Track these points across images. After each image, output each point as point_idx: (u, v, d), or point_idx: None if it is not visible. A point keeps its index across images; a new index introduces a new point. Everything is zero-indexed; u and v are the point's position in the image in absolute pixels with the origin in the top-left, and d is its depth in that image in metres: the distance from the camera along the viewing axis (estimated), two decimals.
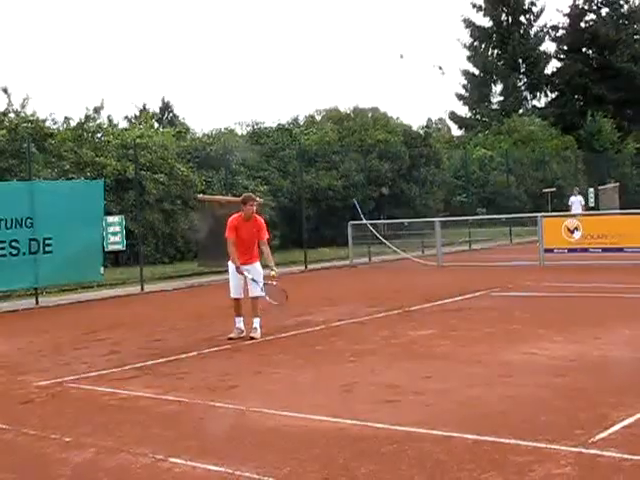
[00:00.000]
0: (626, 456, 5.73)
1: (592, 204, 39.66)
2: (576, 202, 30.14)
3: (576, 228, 21.23)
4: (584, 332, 10.92)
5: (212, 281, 21.57)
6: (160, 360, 10.56)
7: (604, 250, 20.66)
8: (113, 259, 24.05)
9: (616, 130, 53.82)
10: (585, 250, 20.96)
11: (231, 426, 7.20)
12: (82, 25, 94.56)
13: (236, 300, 12.12)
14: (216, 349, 11.21)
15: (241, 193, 27.00)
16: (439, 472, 5.65)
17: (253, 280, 11.87)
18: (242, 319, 12.07)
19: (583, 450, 5.91)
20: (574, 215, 25.20)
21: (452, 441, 6.33)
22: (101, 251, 19.40)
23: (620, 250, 20.31)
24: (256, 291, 11.92)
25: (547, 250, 21.45)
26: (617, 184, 41.45)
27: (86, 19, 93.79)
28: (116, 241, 20.24)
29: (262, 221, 12.24)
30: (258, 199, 21.85)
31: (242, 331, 11.99)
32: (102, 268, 19.27)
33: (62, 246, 17.97)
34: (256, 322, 11.96)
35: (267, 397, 8.13)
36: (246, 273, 11.88)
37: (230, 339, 11.80)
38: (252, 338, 11.77)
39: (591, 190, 41.06)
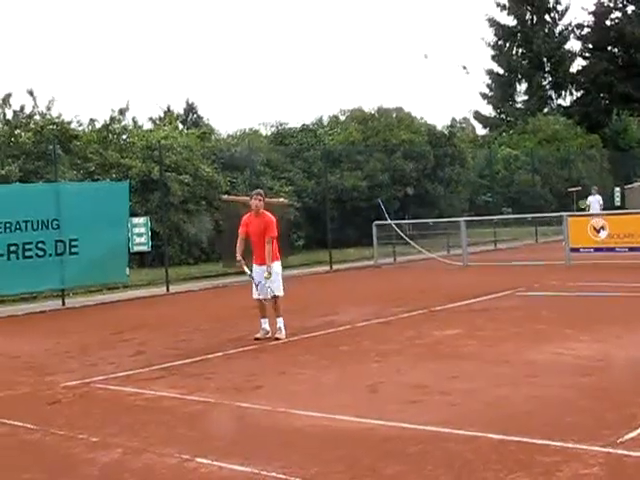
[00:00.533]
0: None
1: (618, 203, 39.38)
2: (594, 202, 29.63)
3: (602, 227, 21.10)
4: (610, 332, 10.84)
5: (237, 282, 21.59)
6: (186, 360, 10.59)
7: (631, 249, 20.51)
8: (138, 260, 24.14)
9: None
10: (611, 249, 20.82)
11: (257, 426, 7.21)
12: (107, 27, 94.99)
13: (259, 301, 12.12)
14: (241, 350, 11.24)
15: (266, 194, 27.26)
16: (465, 472, 5.63)
17: (251, 277, 12.06)
18: (267, 320, 12.09)
19: (611, 450, 5.87)
20: (599, 214, 24.92)
21: (478, 441, 6.30)
22: (126, 252, 19.48)
23: None
24: (277, 290, 11.93)
25: (573, 249, 21.32)
26: None
27: (111, 21, 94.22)
28: (141, 242, 20.33)
29: (271, 218, 12.10)
30: (281, 199, 22.03)
31: (268, 332, 12.01)
32: (127, 269, 19.36)
33: (88, 247, 18.08)
34: (280, 322, 11.95)
35: (292, 397, 8.13)
36: (249, 272, 12.03)
37: (256, 339, 11.82)
38: (277, 339, 11.78)
39: (617, 189, 40.78)
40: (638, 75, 57.27)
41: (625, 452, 5.82)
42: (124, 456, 6.50)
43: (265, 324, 12.08)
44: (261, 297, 11.99)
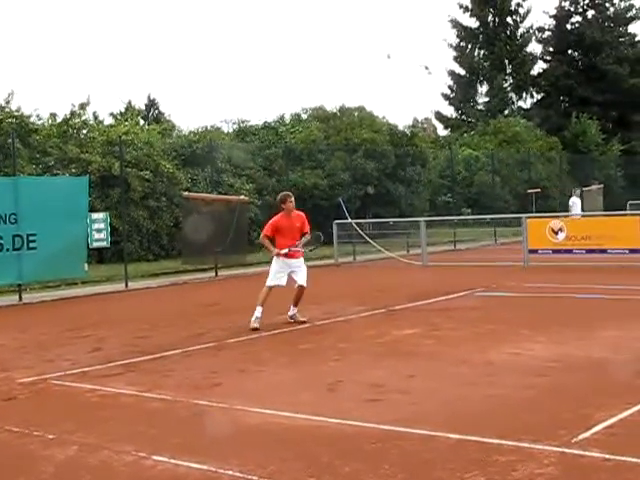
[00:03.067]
0: (608, 456, 5.76)
1: None
2: (577, 203, 29.38)
3: (560, 229, 21.30)
4: (568, 333, 10.96)
5: (196, 279, 21.59)
6: (144, 357, 10.53)
7: (588, 251, 20.73)
8: (97, 256, 23.99)
9: (601, 132, 54.03)
10: (569, 251, 21.02)
11: (215, 424, 7.20)
12: (68, 20, 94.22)
13: (269, 290, 12.65)
14: (201, 347, 11.19)
15: (227, 191, 27.24)
16: (422, 471, 5.67)
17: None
18: (262, 309, 12.49)
19: (566, 450, 5.94)
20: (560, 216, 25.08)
21: (436, 440, 6.34)
22: (85, 248, 19.33)
23: (604, 252, 20.38)
24: (304, 280, 12.71)
25: (531, 251, 21.50)
26: (601, 186, 41.58)
27: (72, 14, 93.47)
28: (100, 238, 20.19)
29: (303, 215, 13.13)
30: (242, 197, 22.19)
31: (258, 318, 12.44)
32: (86, 265, 19.20)
33: (46, 242, 17.88)
34: (294, 310, 12.91)
35: (251, 395, 8.12)
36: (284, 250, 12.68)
37: (254, 329, 12.24)
38: (304, 322, 12.77)
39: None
40: (597, 79, 57.99)
41: (579, 452, 5.89)
42: (80, 453, 6.45)
43: (258, 312, 12.44)
44: (278, 284, 12.68)
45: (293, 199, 12.97)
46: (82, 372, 9.76)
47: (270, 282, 12.71)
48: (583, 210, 35.15)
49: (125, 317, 15.10)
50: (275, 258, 12.78)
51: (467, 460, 5.82)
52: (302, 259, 13.00)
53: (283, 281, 12.78)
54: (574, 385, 8.08)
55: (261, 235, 13.03)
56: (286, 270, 12.75)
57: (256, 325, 12.32)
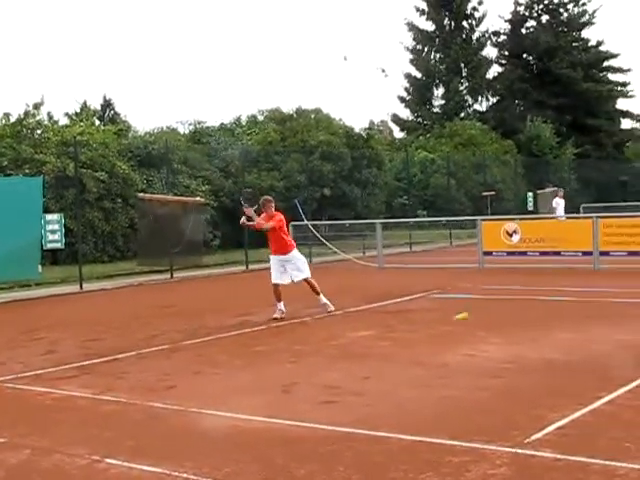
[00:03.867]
0: (559, 456, 5.84)
1: (531, 208, 40.17)
2: (561, 204, 29.78)
3: (515, 231, 21.47)
4: (522, 334, 11.05)
5: (151, 280, 21.46)
6: (98, 360, 10.46)
7: (542, 254, 20.93)
8: (51, 257, 23.75)
9: (555, 135, 54.58)
10: (523, 253, 21.19)
11: (169, 427, 7.17)
12: (21, 18, 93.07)
13: (275, 286, 13.44)
14: (155, 349, 11.14)
15: (182, 192, 27.11)
16: (376, 472, 5.70)
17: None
18: (282, 302, 13.42)
19: (518, 450, 6.00)
20: (513, 219, 25.34)
21: (390, 442, 6.37)
22: (39, 249, 19.13)
23: (557, 254, 20.59)
24: (303, 273, 13.57)
25: (486, 253, 21.65)
26: (555, 188, 42.04)
27: (26, 13, 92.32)
28: (55, 239, 19.99)
29: (279, 215, 13.70)
30: (198, 198, 22.20)
31: (283, 312, 13.37)
32: (40, 266, 19.01)
33: None
34: (322, 299, 13.79)
35: (206, 397, 8.10)
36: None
37: (274, 319, 13.14)
38: (329, 312, 13.61)
39: (530, 194, 41.62)
40: (551, 83, 58.67)
41: (531, 452, 5.96)
42: (32, 457, 6.39)
43: (280, 306, 13.42)
44: (279, 282, 13.46)
45: (273, 204, 13.74)
46: (35, 375, 9.67)
47: (272, 279, 13.54)
48: (536, 212, 35.63)
49: (79, 319, 14.97)
50: (271, 256, 13.76)
51: (421, 461, 5.86)
52: (292, 253, 13.70)
53: (283, 279, 13.56)
54: (528, 386, 8.15)
55: None
56: (282, 266, 13.57)
57: (276, 316, 13.27)
